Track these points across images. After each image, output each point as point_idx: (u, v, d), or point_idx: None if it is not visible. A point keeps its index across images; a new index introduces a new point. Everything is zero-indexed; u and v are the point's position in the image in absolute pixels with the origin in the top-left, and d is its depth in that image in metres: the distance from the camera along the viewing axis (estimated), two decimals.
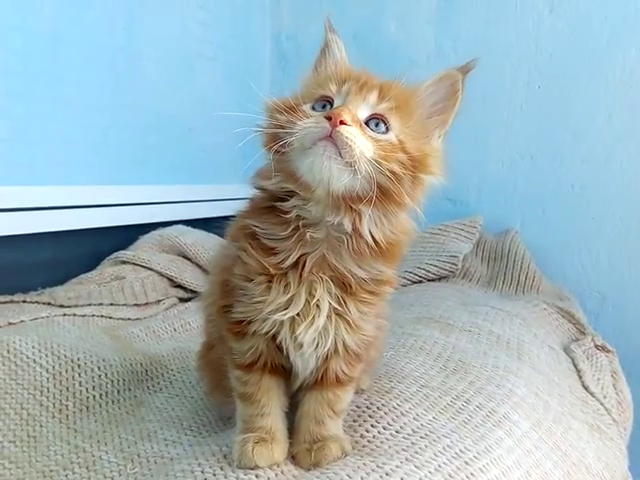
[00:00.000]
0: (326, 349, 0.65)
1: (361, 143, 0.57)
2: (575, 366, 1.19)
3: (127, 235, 1.69)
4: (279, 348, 0.67)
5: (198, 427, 0.84)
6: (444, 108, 0.67)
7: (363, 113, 0.61)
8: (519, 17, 1.81)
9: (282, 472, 0.66)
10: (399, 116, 0.62)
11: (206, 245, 1.63)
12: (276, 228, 0.63)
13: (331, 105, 0.63)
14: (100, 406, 0.93)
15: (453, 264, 1.59)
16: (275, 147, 0.60)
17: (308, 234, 0.62)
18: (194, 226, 1.77)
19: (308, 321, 0.63)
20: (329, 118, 0.57)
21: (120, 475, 0.75)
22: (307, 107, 0.63)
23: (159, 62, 1.82)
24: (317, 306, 0.63)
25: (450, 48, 1.93)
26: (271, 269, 0.63)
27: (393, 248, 0.65)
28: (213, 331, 0.78)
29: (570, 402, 1.02)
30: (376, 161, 0.58)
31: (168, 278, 1.55)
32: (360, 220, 0.61)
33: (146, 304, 1.46)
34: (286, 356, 0.67)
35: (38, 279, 1.48)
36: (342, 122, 0.57)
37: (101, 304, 1.38)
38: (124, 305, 1.42)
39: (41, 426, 0.87)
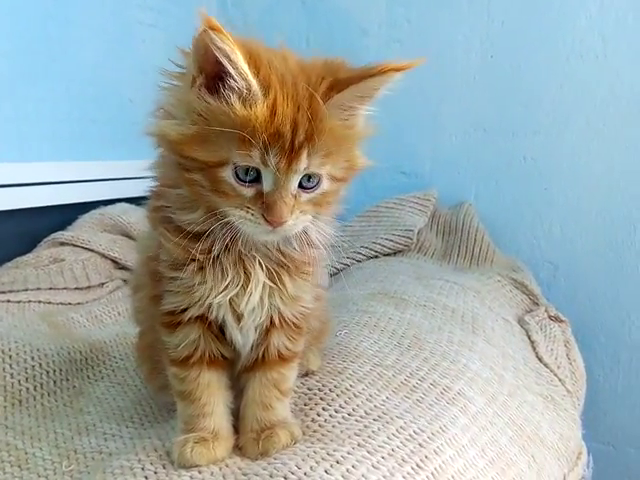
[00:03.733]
0: (262, 319, 0.64)
1: (301, 224, 0.58)
2: (529, 337, 1.19)
3: (65, 215, 1.59)
4: (216, 336, 0.64)
5: (140, 418, 0.80)
6: (373, 97, 0.60)
7: (296, 184, 0.57)
8: None
9: (227, 465, 0.62)
10: (329, 156, 0.57)
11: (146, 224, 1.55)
12: (201, 221, 0.58)
13: (254, 172, 0.55)
14: (34, 399, 0.87)
15: (408, 238, 1.57)
16: (198, 202, 0.58)
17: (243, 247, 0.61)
18: (137, 204, 1.68)
19: (247, 297, 0.61)
20: (269, 221, 0.56)
21: (55, 473, 0.70)
22: (230, 175, 0.55)
23: (95, 30, 1.70)
24: (254, 283, 0.61)
25: (402, 17, 1.87)
26: (200, 256, 0.59)
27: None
28: (144, 320, 0.73)
29: (524, 374, 1.02)
30: (315, 214, 0.60)
31: (111, 259, 1.47)
32: (307, 233, 0.61)
33: (88, 287, 1.38)
34: (224, 342, 0.65)
35: None
36: (283, 223, 0.56)
37: (39, 289, 1.30)
38: (64, 289, 1.34)
39: None
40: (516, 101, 1.71)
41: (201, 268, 0.60)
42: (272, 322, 0.65)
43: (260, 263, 0.61)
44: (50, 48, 1.57)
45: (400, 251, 1.59)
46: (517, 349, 1.11)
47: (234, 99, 0.54)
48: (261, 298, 0.62)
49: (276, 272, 0.62)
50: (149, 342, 0.73)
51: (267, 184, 0.55)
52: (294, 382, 0.70)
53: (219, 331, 0.65)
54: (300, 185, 0.57)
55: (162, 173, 0.63)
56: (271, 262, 0.62)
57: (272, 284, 0.62)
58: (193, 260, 0.59)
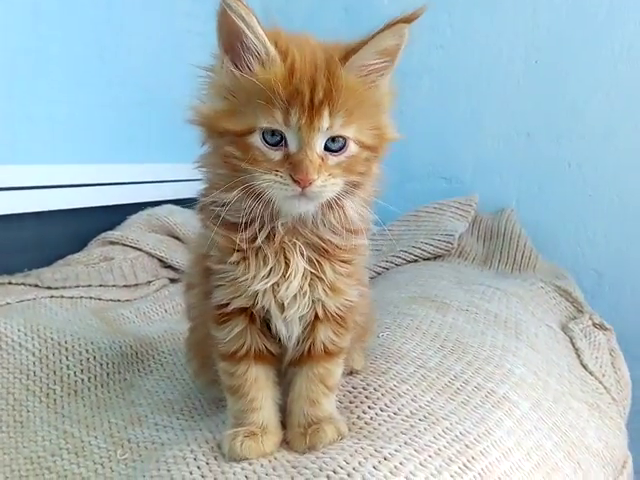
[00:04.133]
0: (305, 310, 0.65)
1: (330, 188, 0.59)
2: (573, 345, 1.17)
3: (114, 215, 1.65)
4: (261, 330, 0.66)
5: (189, 410, 0.82)
6: (390, 60, 0.61)
7: (321, 144, 0.58)
8: None
9: (275, 458, 0.64)
10: (353, 117, 0.59)
11: (195, 224, 1.59)
12: (244, 211, 0.61)
13: (283, 139, 0.58)
14: (89, 390, 0.91)
15: (449, 243, 1.56)
16: (235, 178, 0.59)
17: (280, 225, 0.62)
18: (182, 206, 1.73)
19: (287, 283, 0.63)
20: (296, 181, 0.57)
21: (110, 461, 0.73)
22: (258, 140, 0.58)
23: (145, 37, 1.77)
24: (294, 270, 0.63)
25: (446, 22, 1.87)
26: (243, 245, 0.62)
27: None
28: (196, 316, 0.76)
29: (569, 381, 1.01)
30: (344, 182, 0.60)
31: (158, 258, 1.52)
32: (344, 210, 0.62)
33: (136, 285, 1.43)
34: (269, 336, 0.67)
35: (23, 260, 1.44)
36: (311, 182, 0.57)
37: (89, 285, 1.35)
38: (113, 286, 1.38)
39: (28, 411, 0.85)
40: (561, 106, 1.69)
41: (245, 258, 0.62)
42: (317, 315, 0.66)
43: (300, 251, 0.63)
44: (102, 54, 1.64)
45: (440, 256, 1.59)
46: (561, 356, 1.09)
47: (255, 65, 0.58)
48: (302, 288, 0.63)
49: (317, 260, 0.63)
50: (200, 338, 0.75)
51: (292, 145, 0.57)
52: (340, 378, 0.71)
53: (264, 325, 0.67)
54: (327, 149, 0.58)
55: (207, 168, 0.65)
56: (311, 250, 0.63)
57: (313, 270, 0.63)
58: (238, 250, 0.62)
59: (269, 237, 0.62)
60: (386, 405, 0.72)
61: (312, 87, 0.56)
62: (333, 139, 0.58)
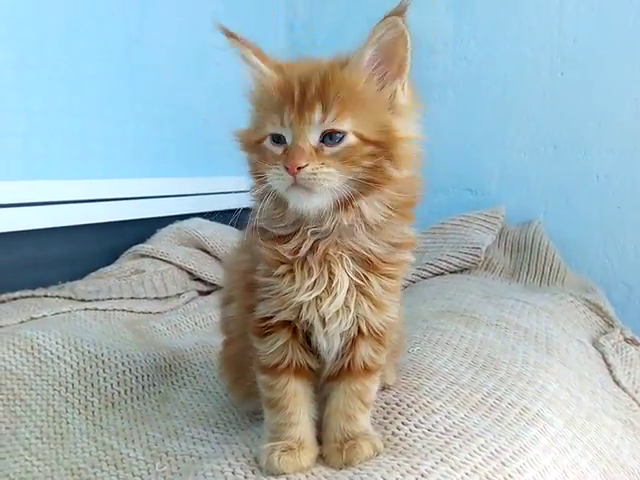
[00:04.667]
0: (348, 326, 0.66)
1: (323, 175, 0.59)
2: (605, 360, 1.16)
3: (144, 229, 1.68)
4: (302, 345, 0.67)
5: (225, 424, 0.84)
6: (394, 58, 0.62)
7: (315, 136, 0.61)
8: (541, 2, 1.76)
9: (312, 474, 0.65)
10: (349, 111, 0.60)
11: (224, 238, 1.62)
12: (283, 221, 0.65)
13: (283, 139, 0.62)
14: (125, 402, 0.92)
15: (476, 256, 1.56)
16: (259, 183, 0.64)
17: (309, 231, 0.64)
18: (211, 219, 1.76)
19: (331, 297, 0.64)
20: (287, 168, 0.59)
21: (149, 474, 0.74)
22: (268, 142, 0.64)
23: (173, 54, 1.81)
24: (339, 283, 0.64)
25: (469, 34, 1.88)
26: (288, 256, 0.63)
27: (404, 208, 0.66)
28: (235, 329, 0.77)
29: (602, 398, 1.00)
30: (344, 173, 0.60)
31: (187, 271, 1.54)
32: (360, 211, 0.63)
33: (166, 297, 1.45)
34: (310, 352, 0.68)
35: (57, 274, 1.47)
36: (299, 168, 0.59)
37: (122, 298, 1.38)
38: (144, 299, 1.41)
39: (67, 423, 0.87)
40: (588, 118, 1.69)
41: (290, 270, 0.64)
42: (360, 331, 0.67)
43: (346, 264, 0.64)
44: (132, 71, 1.68)
45: (467, 268, 1.59)
46: (593, 372, 1.08)
47: (256, 82, 0.66)
48: (346, 303, 0.64)
49: (363, 274, 0.64)
50: (236, 351, 0.76)
51: (289, 139, 0.62)
52: (375, 395, 0.72)
53: (305, 340, 0.68)
54: (324, 143, 0.60)
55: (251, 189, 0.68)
56: (357, 264, 0.64)
57: (359, 282, 0.64)
58: (283, 263, 0.64)
59: (313, 248, 0.64)
60: (420, 421, 0.73)
61: (304, 86, 0.61)
62: (330, 134, 0.60)
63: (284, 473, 0.64)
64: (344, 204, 0.61)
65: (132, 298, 1.40)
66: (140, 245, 1.58)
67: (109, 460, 0.78)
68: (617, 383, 1.11)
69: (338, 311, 0.64)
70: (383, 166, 0.61)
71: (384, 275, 0.65)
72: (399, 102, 0.64)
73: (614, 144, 1.65)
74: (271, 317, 0.66)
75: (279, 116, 0.61)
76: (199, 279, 1.55)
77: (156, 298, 1.44)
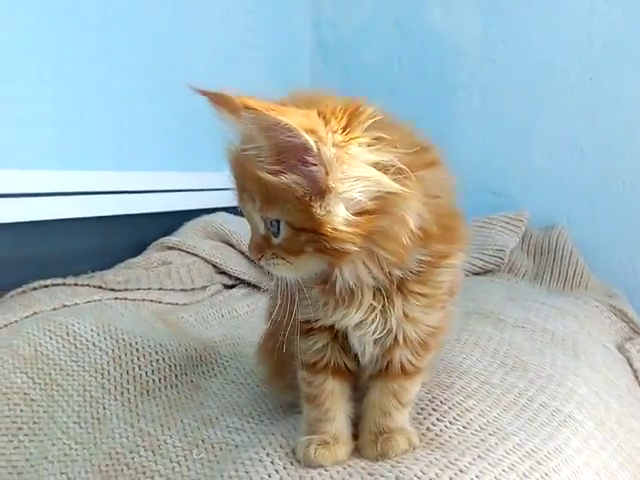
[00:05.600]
0: (378, 335, 0.65)
1: (276, 268, 0.60)
2: (631, 366, 1.17)
3: (170, 221, 1.70)
4: (341, 347, 0.68)
5: (259, 415, 0.85)
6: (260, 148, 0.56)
7: (256, 224, 0.60)
8: (571, 5, 1.76)
9: (349, 465, 0.66)
10: (270, 201, 0.56)
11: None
12: None
13: None
14: (160, 390, 0.94)
15: (500, 258, 1.57)
16: None
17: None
18: (236, 214, 1.77)
19: (350, 315, 0.63)
20: None
21: (186, 460, 0.76)
22: None
23: (204, 50, 1.83)
24: (357, 303, 0.63)
25: (498, 37, 1.88)
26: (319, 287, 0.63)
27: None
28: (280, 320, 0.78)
29: (629, 402, 1.00)
30: (293, 262, 0.59)
31: (213, 264, 1.56)
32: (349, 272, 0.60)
33: (192, 290, 1.47)
34: (348, 353, 0.68)
35: (85, 263, 1.49)
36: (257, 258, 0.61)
37: (149, 289, 1.40)
38: (171, 290, 1.43)
39: (104, 408, 0.89)
40: (616, 123, 1.68)
41: (322, 290, 0.63)
42: (396, 339, 0.66)
43: (367, 287, 0.62)
44: (164, 65, 1.70)
45: (490, 270, 1.59)
46: (619, 377, 1.09)
47: None
48: (370, 317, 0.63)
49: (386, 295, 0.62)
50: (277, 344, 0.77)
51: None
52: (415, 395, 0.72)
53: (344, 342, 0.68)
54: (270, 231, 0.58)
55: None
56: (381, 284, 0.62)
57: (380, 306, 0.63)
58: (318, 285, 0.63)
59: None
60: (454, 418, 0.74)
61: (237, 172, 0.60)
62: (270, 222, 0.58)
63: (321, 466, 0.65)
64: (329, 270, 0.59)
65: (160, 289, 1.41)
66: (167, 237, 1.60)
67: (147, 446, 0.80)
68: None
69: (363, 321, 0.64)
70: (332, 247, 0.55)
71: (414, 294, 0.63)
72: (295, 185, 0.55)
73: None
74: (310, 320, 0.67)
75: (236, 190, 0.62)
76: (224, 272, 1.57)
77: (182, 290, 1.46)
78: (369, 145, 0.54)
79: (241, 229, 1.65)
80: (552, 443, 0.71)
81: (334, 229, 0.54)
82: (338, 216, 0.54)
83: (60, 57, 1.41)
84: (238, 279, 1.58)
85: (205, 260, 1.54)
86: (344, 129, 0.54)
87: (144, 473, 0.76)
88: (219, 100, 0.63)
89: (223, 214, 1.72)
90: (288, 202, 0.55)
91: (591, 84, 1.73)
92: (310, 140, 0.51)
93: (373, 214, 0.55)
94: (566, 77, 1.77)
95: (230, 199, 2.00)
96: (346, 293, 0.62)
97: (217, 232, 1.63)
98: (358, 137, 0.54)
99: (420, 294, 0.63)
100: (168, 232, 1.65)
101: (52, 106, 1.41)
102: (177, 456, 0.77)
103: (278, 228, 0.57)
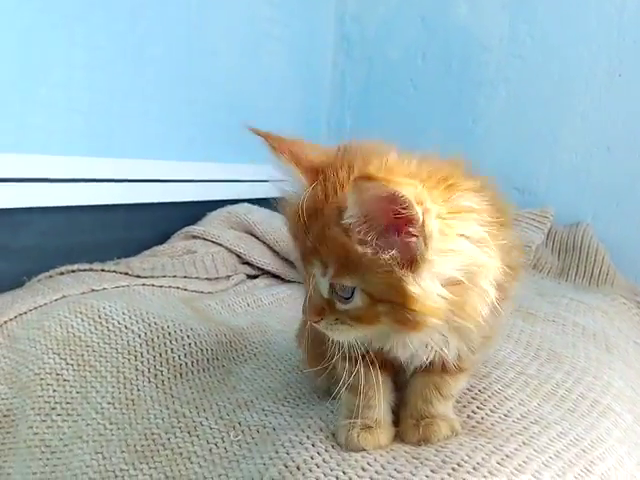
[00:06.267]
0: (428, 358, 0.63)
1: (337, 332, 0.58)
2: None
3: (194, 211, 1.70)
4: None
5: (294, 399, 0.85)
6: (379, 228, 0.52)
7: (325, 288, 0.57)
8: (602, 1, 1.74)
9: (392, 449, 0.66)
10: (348, 270, 0.53)
11: (273, 224, 1.64)
12: None
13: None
14: (192, 373, 0.94)
15: (525, 254, 1.56)
16: None
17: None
18: (260, 205, 1.77)
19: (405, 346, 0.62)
20: None
21: (224, 442, 0.76)
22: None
23: (230, 40, 1.83)
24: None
25: (526, 33, 1.87)
26: None
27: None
28: None
29: None
30: (360, 330, 0.58)
31: (236, 254, 1.56)
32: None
33: (216, 279, 1.47)
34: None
35: (111, 251, 1.50)
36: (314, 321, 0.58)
37: (175, 276, 1.40)
38: (196, 278, 1.43)
39: (138, 390, 0.89)
40: None
41: None
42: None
43: None
44: (191, 56, 1.70)
45: None
46: None
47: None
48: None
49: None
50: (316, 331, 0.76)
51: (304, 281, 0.60)
52: (460, 390, 0.71)
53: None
54: (337, 295, 0.56)
55: None
56: None
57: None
58: None
59: None
60: (495, 407, 0.73)
61: (306, 233, 0.55)
62: (340, 286, 0.55)
63: (363, 449, 0.65)
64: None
65: (185, 277, 1.42)
66: (191, 227, 1.60)
67: (182, 427, 0.80)
68: None
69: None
70: (407, 318, 0.53)
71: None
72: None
73: None
74: None
75: (295, 251, 0.59)
76: (247, 263, 1.57)
77: (207, 279, 1.46)
78: (464, 217, 0.53)
79: (265, 220, 1.65)
80: (595, 432, 0.71)
81: (424, 304, 0.52)
82: (432, 291, 0.52)
83: (91, 46, 1.42)
84: (261, 270, 1.58)
85: (229, 250, 1.54)
86: (445, 200, 0.52)
87: (181, 454, 0.76)
88: (280, 147, 0.60)
89: (246, 205, 1.73)
90: (372, 273, 0.52)
91: (620, 81, 1.71)
92: (420, 212, 0.48)
93: (458, 286, 0.53)
94: (594, 74, 1.75)
95: (254, 191, 1.98)
96: None
97: (241, 222, 1.63)
98: (456, 210, 0.53)
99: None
100: (192, 222, 1.66)
101: (81, 93, 1.41)
102: (214, 437, 0.77)
103: (351, 295, 0.55)
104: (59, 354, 0.96)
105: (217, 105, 1.79)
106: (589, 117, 1.76)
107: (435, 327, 0.55)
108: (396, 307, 0.53)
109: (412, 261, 0.51)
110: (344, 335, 0.59)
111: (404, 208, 0.48)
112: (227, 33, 1.82)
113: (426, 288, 0.51)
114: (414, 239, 0.50)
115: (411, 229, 0.50)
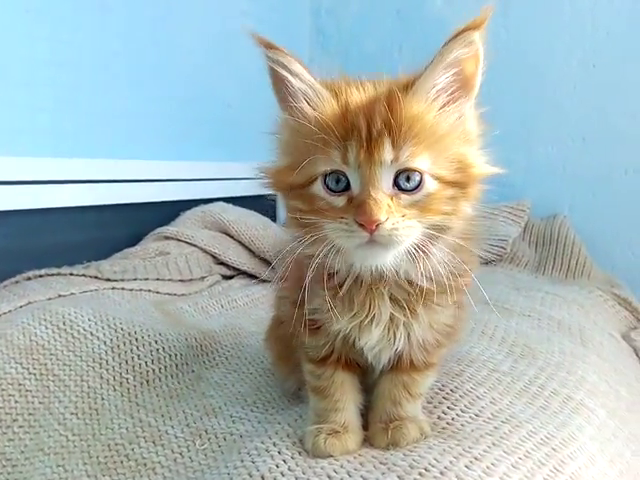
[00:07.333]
0: (397, 349, 0.63)
1: (406, 232, 0.52)
2: (637, 355, 1.15)
3: (167, 211, 1.67)
4: (353, 345, 0.65)
5: (263, 404, 0.83)
6: (467, 79, 0.56)
7: (388, 182, 0.53)
8: None
9: (360, 455, 0.64)
10: (424, 147, 0.53)
11: (248, 222, 1.61)
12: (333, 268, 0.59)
13: (345, 178, 0.54)
14: (160, 380, 0.92)
15: (502, 248, 1.55)
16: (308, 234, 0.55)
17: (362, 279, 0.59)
18: (234, 203, 1.74)
19: (367, 333, 0.61)
20: (362, 224, 0.51)
21: (189, 450, 0.74)
22: (319, 187, 0.55)
23: (200, 36, 1.79)
24: (377, 319, 0.61)
25: (500, 25, 1.86)
26: (328, 293, 0.60)
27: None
28: (284, 311, 0.75)
29: (638, 391, 0.99)
30: (424, 224, 0.54)
31: (211, 255, 1.53)
32: (429, 259, 0.56)
33: (190, 280, 1.45)
34: (360, 352, 0.65)
35: (81, 253, 1.46)
36: (378, 225, 0.51)
37: (147, 279, 1.37)
38: (169, 280, 1.40)
39: (102, 399, 0.86)
40: (619, 112, 1.67)
41: (334, 296, 0.60)
42: (410, 344, 0.63)
43: (389, 298, 0.60)
44: (159, 52, 1.67)
45: (492, 261, 1.58)
46: (627, 366, 1.07)
47: (304, 106, 0.55)
48: (389, 330, 0.61)
49: (407, 306, 0.60)
50: (286, 332, 0.74)
51: (355, 185, 0.53)
52: (428, 388, 0.70)
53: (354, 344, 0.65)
54: (400, 188, 0.53)
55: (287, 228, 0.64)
56: (401, 294, 0.60)
57: (403, 318, 0.60)
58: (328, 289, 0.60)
59: (356, 283, 0.59)
60: (466, 407, 0.72)
61: (369, 118, 0.52)
62: (406, 176, 0.53)
63: (330, 456, 0.63)
64: (414, 255, 0.55)
65: (157, 279, 1.39)
66: (164, 227, 1.57)
67: (147, 437, 0.78)
68: None
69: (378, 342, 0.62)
70: (460, 209, 0.55)
71: (432, 307, 0.61)
72: (469, 129, 0.57)
73: None
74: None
75: (339, 151, 0.52)
76: (222, 263, 1.54)
77: (180, 280, 1.43)
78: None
79: (240, 219, 1.62)
80: (566, 430, 0.69)
81: (485, 175, 0.58)
82: (484, 164, 0.59)
83: (56, 40, 1.38)
84: (237, 270, 1.55)
85: (203, 250, 1.52)
86: None
87: (145, 465, 0.73)
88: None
89: (221, 204, 1.70)
90: (446, 149, 0.54)
91: (594, 72, 1.71)
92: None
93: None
94: (569, 65, 1.75)
95: (228, 189, 1.93)
96: (362, 300, 0.59)
97: (215, 222, 1.60)
98: None
99: (441, 305, 0.62)
100: (165, 222, 1.62)
101: (46, 90, 1.37)
102: (179, 446, 0.75)
103: (418, 184, 0.53)
104: (21, 363, 0.92)
105: (189, 101, 1.75)
106: (564, 108, 1.76)
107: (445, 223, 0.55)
108: (459, 192, 0.55)
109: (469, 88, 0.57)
110: (409, 234, 0.53)
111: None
112: (199, 27, 1.79)
113: (479, 160, 0.58)
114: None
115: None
